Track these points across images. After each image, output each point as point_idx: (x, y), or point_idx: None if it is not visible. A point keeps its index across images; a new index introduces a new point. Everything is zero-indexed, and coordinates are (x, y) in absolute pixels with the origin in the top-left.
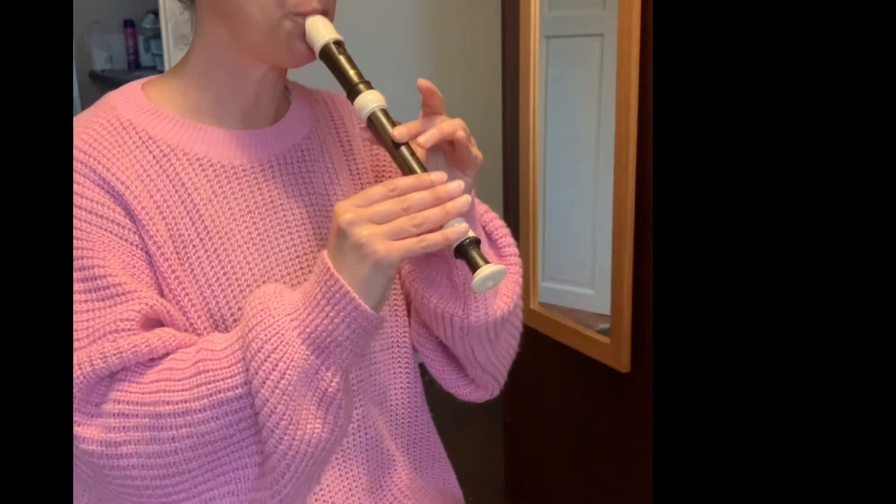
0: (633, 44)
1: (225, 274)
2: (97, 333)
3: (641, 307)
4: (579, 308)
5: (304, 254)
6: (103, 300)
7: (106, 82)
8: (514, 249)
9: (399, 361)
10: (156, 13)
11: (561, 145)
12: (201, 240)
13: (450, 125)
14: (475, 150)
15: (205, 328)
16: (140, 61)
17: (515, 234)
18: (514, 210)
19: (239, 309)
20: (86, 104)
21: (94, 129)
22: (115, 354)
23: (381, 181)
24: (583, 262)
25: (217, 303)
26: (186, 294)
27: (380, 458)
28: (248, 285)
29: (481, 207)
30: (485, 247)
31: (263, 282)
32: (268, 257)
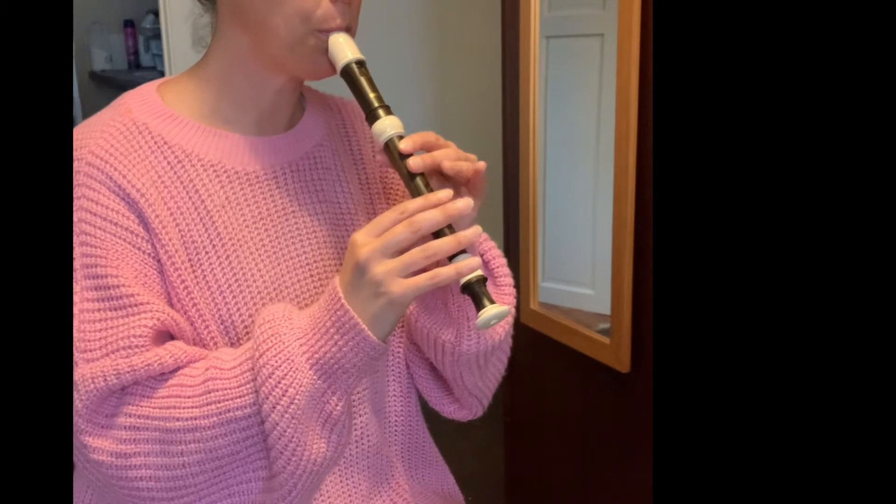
0: (633, 44)
1: (237, 281)
2: (110, 347)
3: (641, 307)
4: (579, 308)
5: (315, 261)
6: (116, 310)
7: (106, 82)
8: (509, 280)
9: (394, 370)
10: (156, 13)
11: (561, 145)
12: (214, 247)
13: (469, 166)
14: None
15: (215, 335)
16: (140, 61)
17: (515, 234)
18: (514, 210)
19: (250, 315)
20: (86, 104)
21: (111, 134)
22: (128, 372)
23: (389, 191)
24: (583, 262)
25: (228, 309)
26: (195, 304)
27: (379, 464)
28: (259, 292)
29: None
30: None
31: (274, 289)
32: (279, 264)
